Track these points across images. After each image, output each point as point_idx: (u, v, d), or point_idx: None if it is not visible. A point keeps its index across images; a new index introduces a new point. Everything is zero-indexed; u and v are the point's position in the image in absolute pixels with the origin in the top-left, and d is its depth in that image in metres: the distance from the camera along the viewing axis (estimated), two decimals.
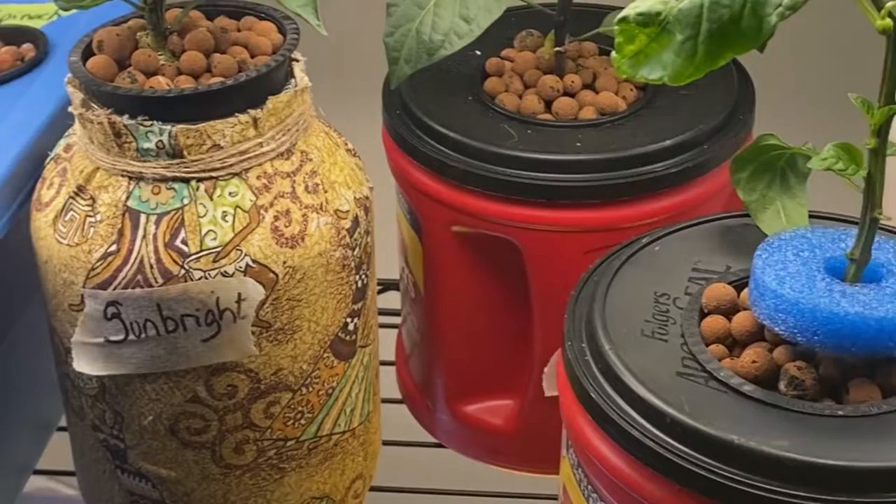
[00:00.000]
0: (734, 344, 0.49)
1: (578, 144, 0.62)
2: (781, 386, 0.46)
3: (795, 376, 0.45)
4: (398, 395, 0.79)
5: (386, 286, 0.86)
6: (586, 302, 0.50)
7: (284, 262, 0.54)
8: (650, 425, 0.44)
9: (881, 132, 0.45)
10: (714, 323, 0.49)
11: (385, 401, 0.79)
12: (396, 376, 0.79)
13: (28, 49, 0.69)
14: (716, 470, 0.42)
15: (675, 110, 0.65)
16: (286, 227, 0.54)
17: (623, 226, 0.62)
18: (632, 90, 0.67)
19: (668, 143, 0.62)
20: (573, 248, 0.63)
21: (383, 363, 0.80)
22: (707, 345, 0.48)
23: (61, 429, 0.70)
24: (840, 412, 0.44)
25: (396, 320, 0.79)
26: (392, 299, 0.85)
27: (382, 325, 0.85)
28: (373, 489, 0.72)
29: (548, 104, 0.66)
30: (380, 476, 0.75)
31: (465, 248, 0.66)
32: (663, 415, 0.44)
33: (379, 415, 0.67)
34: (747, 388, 0.45)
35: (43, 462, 0.71)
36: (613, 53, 0.41)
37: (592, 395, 0.46)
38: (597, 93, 0.66)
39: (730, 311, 0.49)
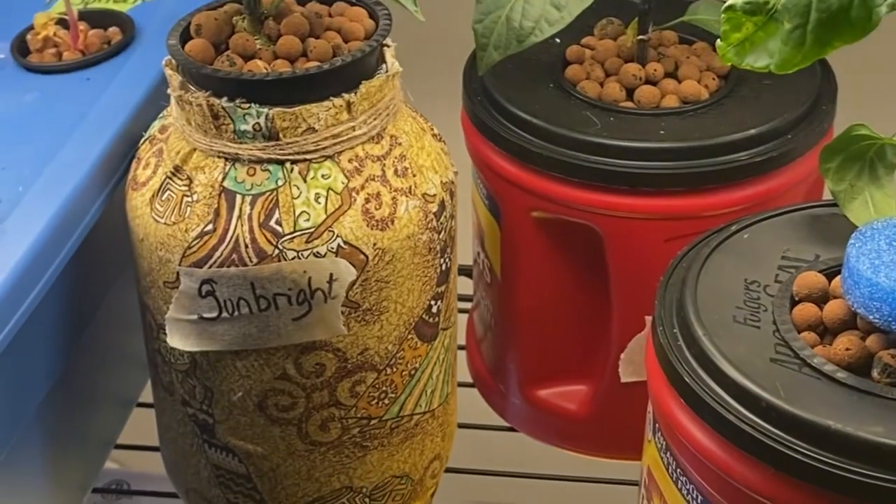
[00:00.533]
0: (825, 332, 0.49)
1: (661, 132, 0.63)
2: (875, 374, 0.46)
3: (889, 364, 0.45)
4: (469, 379, 0.80)
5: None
6: (676, 288, 0.51)
7: (374, 244, 0.54)
8: (746, 410, 0.45)
9: None
10: (806, 310, 0.49)
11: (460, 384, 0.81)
12: (468, 360, 0.80)
13: (115, 32, 0.70)
14: (812, 454, 0.43)
15: (758, 100, 0.65)
16: (377, 209, 0.54)
17: (705, 214, 0.62)
18: (714, 79, 0.67)
19: (751, 132, 0.62)
20: (654, 235, 0.63)
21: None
22: (799, 332, 0.49)
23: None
24: None
25: (466, 305, 0.80)
26: (462, 284, 0.86)
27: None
28: (446, 470, 0.73)
29: (629, 92, 0.67)
30: (452, 458, 0.76)
31: (544, 234, 0.67)
32: (759, 399, 0.44)
33: (456, 397, 0.68)
34: (841, 375, 0.46)
35: None
36: (718, 41, 0.41)
37: (686, 379, 0.46)
38: (679, 82, 0.66)
39: (821, 299, 0.50)
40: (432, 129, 0.61)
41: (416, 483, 0.64)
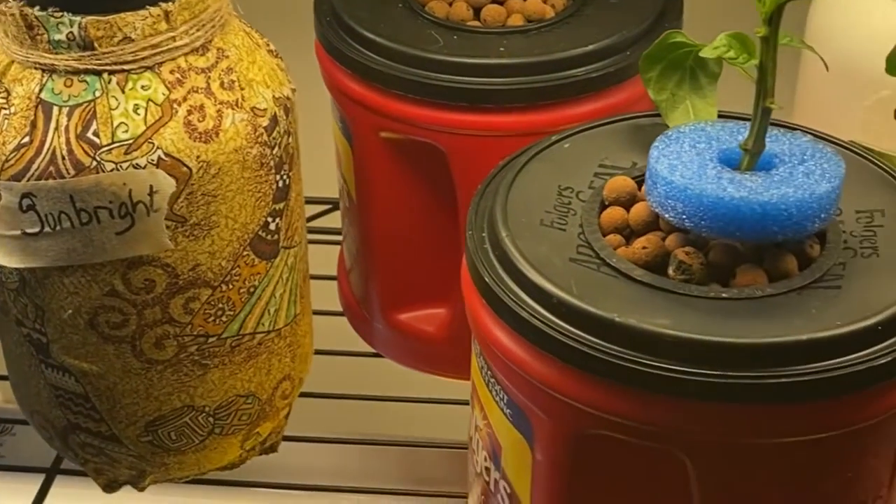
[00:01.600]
0: (632, 234, 0.49)
1: (502, 49, 0.63)
2: (670, 271, 0.47)
3: (683, 261, 0.46)
4: (341, 309, 0.80)
5: (335, 205, 0.87)
6: (491, 195, 0.51)
7: (198, 157, 0.54)
8: (539, 306, 0.45)
9: (772, 20, 0.45)
10: (612, 213, 0.50)
11: (329, 313, 0.81)
12: (338, 289, 0.80)
13: None
14: (596, 346, 0.43)
15: (602, 18, 0.65)
16: (200, 121, 0.54)
17: (545, 130, 0.62)
18: None
19: (589, 48, 0.62)
20: (496, 152, 0.63)
21: (329, 278, 0.82)
22: (605, 234, 0.49)
23: None
24: (724, 295, 0.45)
25: (338, 238, 0.80)
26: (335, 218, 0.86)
27: (329, 243, 0.87)
28: (310, 395, 0.74)
29: (477, 12, 0.67)
30: (320, 383, 0.77)
31: (394, 155, 0.67)
32: (550, 296, 0.45)
33: (309, 319, 0.68)
34: (636, 272, 0.46)
35: None
36: None
37: (486, 279, 0.47)
38: (525, 1, 0.67)
39: (629, 202, 0.50)
40: (268, 45, 0.60)
41: (264, 403, 0.64)
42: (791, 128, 0.53)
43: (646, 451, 0.44)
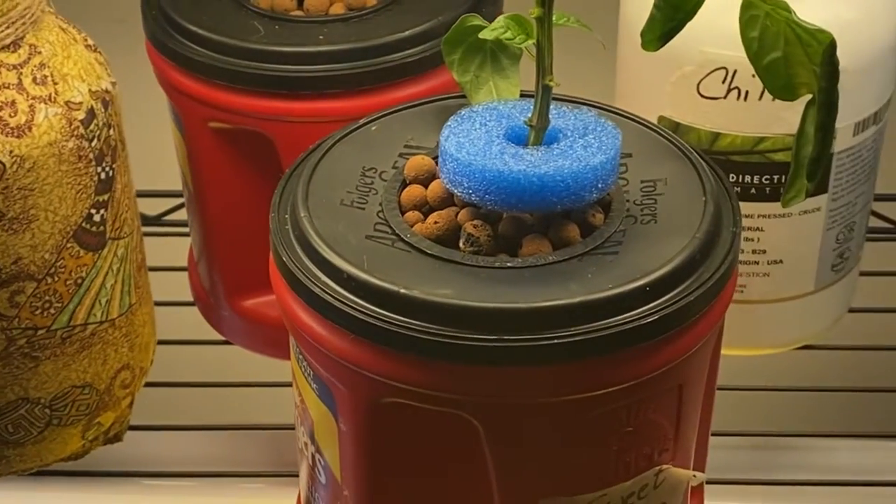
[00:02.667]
0: (431, 210, 0.52)
1: (321, 38, 0.65)
2: (461, 244, 0.49)
3: (471, 234, 0.49)
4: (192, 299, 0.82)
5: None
6: (296, 178, 0.53)
7: (11, 152, 0.56)
8: (332, 282, 0.47)
9: (545, 1, 0.48)
10: (412, 191, 0.52)
11: (181, 304, 0.83)
12: (189, 280, 0.82)
13: None
14: (384, 318, 0.46)
15: (422, 5, 0.68)
16: (11, 117, 0.55)
17: (365, 114, 0.65)
18: None
19: (406, 33, 0.65)
20: (319, 137, 0.66)
21: (181, 269, 0.83)
22: (404, 212, 0.51)
23: None
24: (509, 264, 0.47)
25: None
26: None
27: (186, 235, 0.88)
28: (157, 384, 0.75)
29: (300, 2, 0.69)
30: (169, 372, 0.78)
31: (225, 145, 0.69)
32: (341, 271, 0.47)
33: (149, 308, 0.70)
34: (427, 246, 0.48)
35: None
36: None
37: (284, 258, 0.49)
38: None
39: (428, 179, 0.52)
40: (86, 41, 0.62)
41: (102, 393, 0.65)
42: (580, 103, 0.56)
43: (440, 417, 0.47)
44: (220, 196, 0.71)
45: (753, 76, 0.52)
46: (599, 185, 0.48)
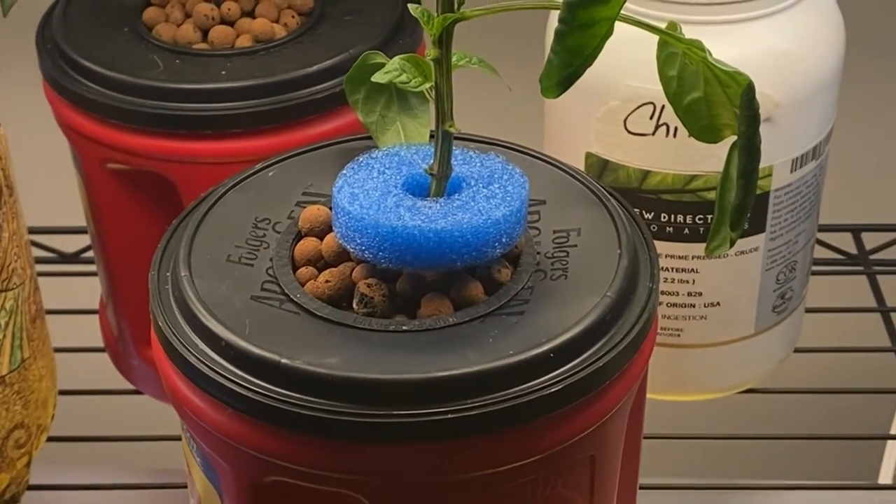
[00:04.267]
0: (326, 266, 0.49)
1: (224, 73, 0.61)
2: (354, 304, 0.46)
3: (365, 294, 0.45)
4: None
5: None
6: (181, 231, 0.50)
7: None
8: (210, 350, 0.44)
9: (442, 42, 0.45)
10: (306, 244, 0.49)
11: (93, 350, 0.79)
12: (99, 324, 0.78)
13: None
14: (263, 391, 0.42)
15: (334, 37, 0.64)
16: None
17: (270, 155, 0.61)
18: (294, 17, 0.66)
19: (314, 68, 0.61)
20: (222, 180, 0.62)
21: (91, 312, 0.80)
22: (297, 268, 0.48)
23: None
24: (405, 327, 0.44)
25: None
26: None
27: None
28: (62, 439, 0.72)
29: (206, 34, 0.65)
30: (76, 426, 0.75)
31: (125, 187, 0.65)
32: (219, 338, 0.43)
33: (48, 361, 0.66)
34: (317, 308, 0.45)
35: None
36: None
37: (161, 323, 0.45)
38: (254, 20, 0.65)
39: (324, 231, 0.49)
40: None
41: None
42: (493, 144, 0.53)
43: (328, 496, 0.43)
44: (122, 240, 0.67)
45: None
46: (503, 240, 0.45)
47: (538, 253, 0.48)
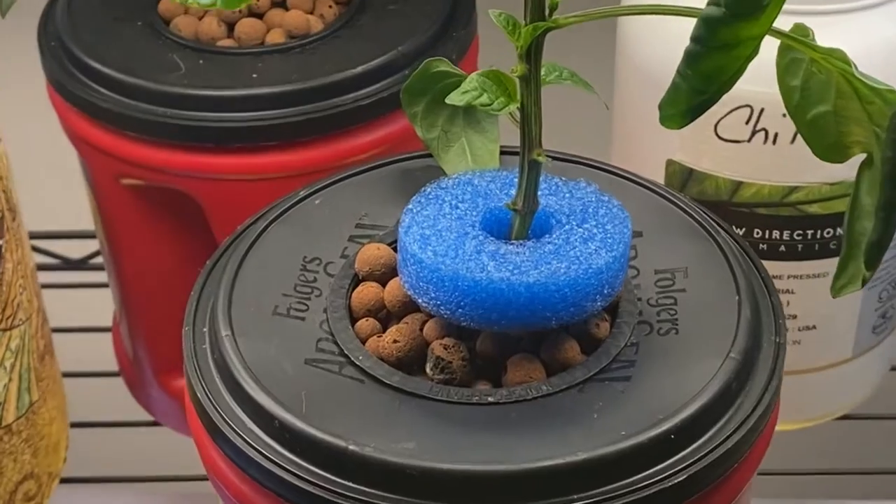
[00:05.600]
0: (390, 317, 0.42)
1: (255, 76, 0.55)
2: (428, 369, 0.40)
3: (442, 357, 0.39)
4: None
5: None
6: (217, 276, 0.43)
7: None
8: (260, 430, 0.38)
9: (530, 56, 0.39)
10: (365, 292, 0.42)
11: (106, 374, 0.73)
12: (113, 344, 0.72)
13: None
14: (326, 484, 0.36)
15: (378, 30, 0.58)
16: None
17: (310, 171, 0.55)
18: (331, 7, 0.59)
19: (357, 70, 0.55)
20: (258, 199, 0.56)
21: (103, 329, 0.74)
22: (356, 320, 0.42)
23: None
24: (490, 398, 0.38)
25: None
26: None
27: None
28: (71, 481, 0.66)
29: (231, 28, 0.59)
30: (89, 464, 0.69)
31: (142, 204, 0.59)
32: (272, 417, 0.37)
33: (57, 400, 0.60)
34: (384, 374, 0.39)
35: None
36: None
37: (199, 393, 0.39)
38: (286, 11, 0.59)
39: (386, 275, 0.43)
40: None
41: None
42: (567, 160, 0.46)
43: None
44: (138, 261, 0.61)
45: (785, 116, 0.44)
46: (605, 291, 0.39)
47: (640, 299, 0.42)
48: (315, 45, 0.57)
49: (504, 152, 0.47)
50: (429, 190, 0.42)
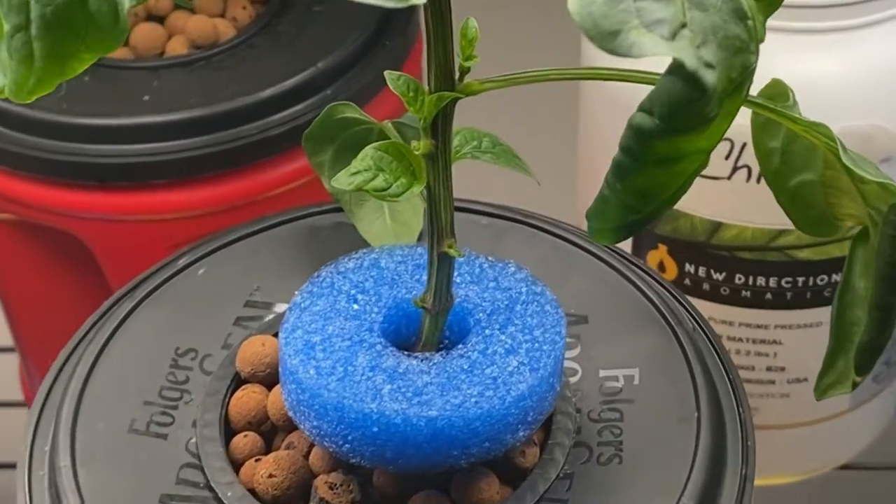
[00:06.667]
0: (275, 431, 0.36)
1: (147, 98, 0.48)
2: None
3: (324, 499, 0.33)
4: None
5: None
6: (65, 380, 0.37)
7: None
8: None
9: (437, 129, 0.31)
10: (245, 400, 0.35)
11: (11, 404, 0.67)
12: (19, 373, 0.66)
13: None
14: None
15: (299, 39, 0.50)
16: None
17: (214, 210, 0.48)
18: (245, 8, 0.52)
19: (266, 93, 0.48)
20: (152, 242, 0.49)
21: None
22: (234, 433, 0.35)
23: None
24: None
25: None
26: None
27: None
28: None
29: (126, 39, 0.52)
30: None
31: (24, 241, 0.52)
32: None
33: None
34: None
35: None
36: None
37: None
38: (191, 15, 0.52)
39: (273, 378, 0.36)
40: None
41: None
42: (499, 215, 0.39)
43: None
44: (29, 305, 0.54)
45: None
46: (529, 419, 0.32)
47: (579, 411, 0.35)
48: (222, 58, 0.50)
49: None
50: (323, 275, 0.35)
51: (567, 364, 0.36)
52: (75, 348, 0.38)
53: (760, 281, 0.51)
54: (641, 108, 0.23)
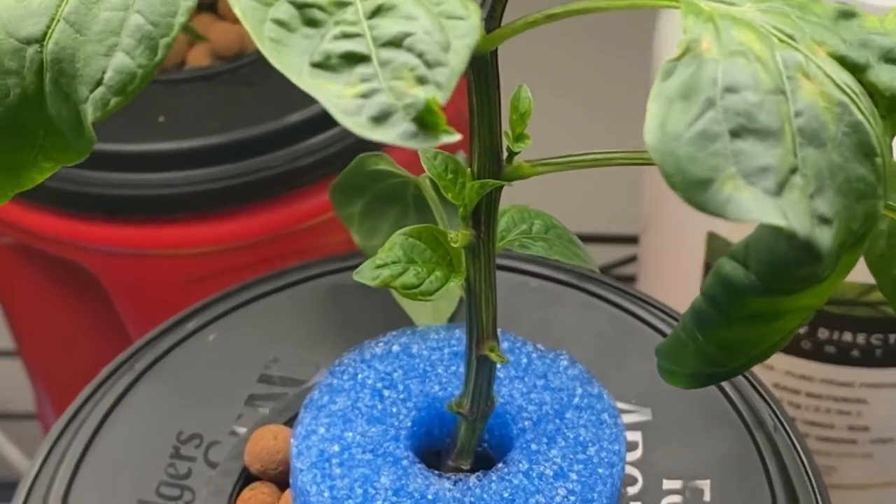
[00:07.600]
0: None
1: (162, 119, 0.44)
2: None
3: None
4: None
5: None
6: (51, 468, 0.33)
7: None
8: None
9: (480, 221, 0.27)
10: (254, 497, 0.32)
11: None
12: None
13: None
14: None
15: None
16: None
17: (233, 245, 0.44)
18: None
19: (294, 117, 0.43)
20: (165, 277, 0.45)
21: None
22: None
23: None
24: None
25: None
26: None
27: None
28: None
29: None
30: None
31: (31, 267, 0.48)
32: None
33: None
34: None
35: None
36: None
37: None
38: (219, 20, 0.47)
39: (286, 476, 0.33)
40: None
41: None
42: (572, 285, 0.35)
43: None
44: (39, 332, 0.51)
45: None
46: None
47: None
48: (248, 71, 0.45)
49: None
50: (346, 363, 0.31)
51: (625, 470, 0.32)
52: (65, 429, 0.34)
53: (847, 336, 0.47)
54: (734, 257, 0.19)
